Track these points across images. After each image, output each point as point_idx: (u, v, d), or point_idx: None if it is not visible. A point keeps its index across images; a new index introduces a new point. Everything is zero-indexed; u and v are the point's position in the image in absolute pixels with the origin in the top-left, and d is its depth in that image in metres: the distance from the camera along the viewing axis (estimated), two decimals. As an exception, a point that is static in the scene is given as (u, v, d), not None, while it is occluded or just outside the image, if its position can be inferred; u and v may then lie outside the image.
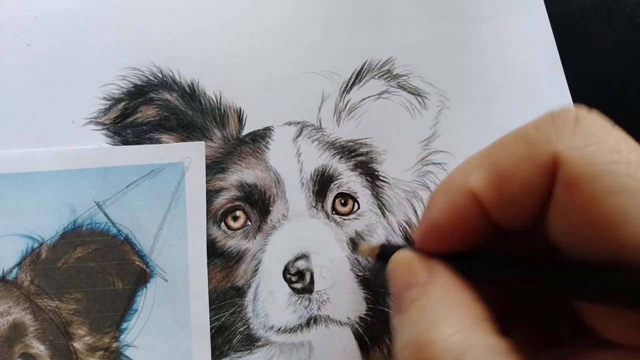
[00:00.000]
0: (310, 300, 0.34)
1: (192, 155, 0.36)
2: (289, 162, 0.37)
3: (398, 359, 0.21)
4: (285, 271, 0.35)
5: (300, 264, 0.35)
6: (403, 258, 0.25)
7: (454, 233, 0.22)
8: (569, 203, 0.19)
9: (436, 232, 0.23)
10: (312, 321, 0.34)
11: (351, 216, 0.37)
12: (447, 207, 0.22)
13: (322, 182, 0.37)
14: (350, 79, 0.39)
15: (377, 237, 0.37)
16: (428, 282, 0.23)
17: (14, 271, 0.34)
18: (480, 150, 0.22)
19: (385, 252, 0.29)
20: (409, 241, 0.37)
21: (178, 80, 0.38)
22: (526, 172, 0.20)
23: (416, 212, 0.37)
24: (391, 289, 0.25)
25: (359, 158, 0.38)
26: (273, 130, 0.38)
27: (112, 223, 0.35)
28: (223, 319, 0.35)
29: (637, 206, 0.17)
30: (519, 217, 0.21)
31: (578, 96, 0.39)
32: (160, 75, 0.38)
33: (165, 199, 0.36)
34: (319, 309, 0.34)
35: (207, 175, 0.36)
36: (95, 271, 0.35)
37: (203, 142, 0.37)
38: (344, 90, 0.39)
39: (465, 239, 0.23)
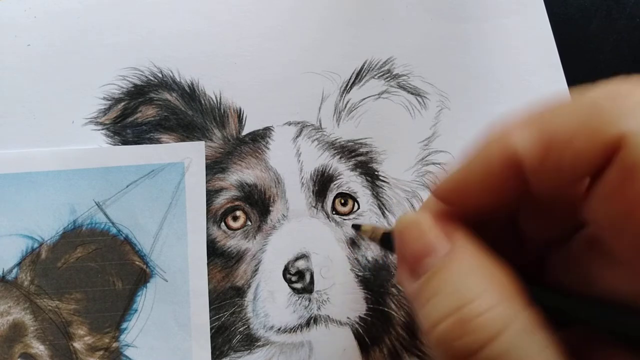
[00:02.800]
0: (310, 300, 0.34)
1: (192, 155, 0.36)
2: (289, 162, 0.37)
3: (429, 334, 0.20)
4: (285, 271, 0.35)
5: (300, 264, 0.35)
6: (413, 221, 0.22)
7: (482, 191, 0.21)
8: (619, 190, 0.17)
9: (463, 186, 0.21)
10: (312, 321, 0.34)
11: (351, 216, 0.37)
12: (482, 160, 0.20)
13: (322, 182, 0.37)
14: (350, 79, 0.39)
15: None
16: (451, 250, 0.21)
17: (14, 271, 0.34)
18: (525, 113, 0.20)
19: (388, 239, 0.28)
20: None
21: (178, 80, 0.38)
22: (582, 144, 0.18)
23: (416, 212, 0.37)
24: (397, 252, 0.23)
25: (359, 158, 0.38)
26: (273, 130, 0.38)
27: (112, 223, 0.35)
28: (223, 319, 0.35)
29: None
30: (558, 189, 0.20)
31: (578, 96, 0.39)
32: (160, 75, 0.38)
33: (165, 199, 0.36)
34: (319, 309, 0.34)
35: (207, 175, 0.36)
36: (95, 271, 0.35)
37: (203, 142, 0.37)
38: (344, 90, 0.39)
39: (491, 200, 0.21)
